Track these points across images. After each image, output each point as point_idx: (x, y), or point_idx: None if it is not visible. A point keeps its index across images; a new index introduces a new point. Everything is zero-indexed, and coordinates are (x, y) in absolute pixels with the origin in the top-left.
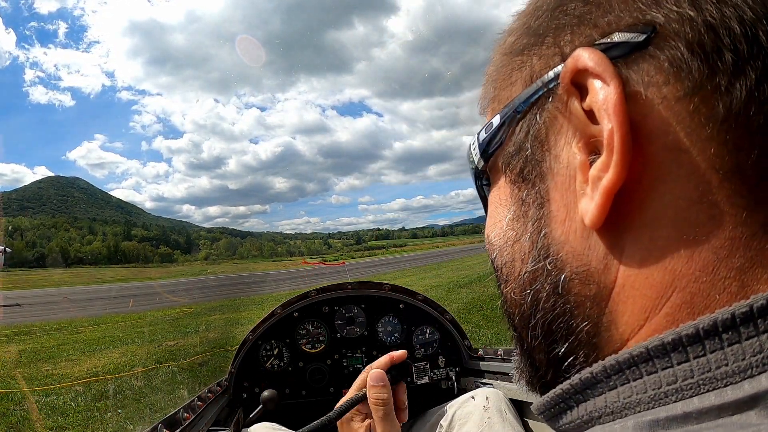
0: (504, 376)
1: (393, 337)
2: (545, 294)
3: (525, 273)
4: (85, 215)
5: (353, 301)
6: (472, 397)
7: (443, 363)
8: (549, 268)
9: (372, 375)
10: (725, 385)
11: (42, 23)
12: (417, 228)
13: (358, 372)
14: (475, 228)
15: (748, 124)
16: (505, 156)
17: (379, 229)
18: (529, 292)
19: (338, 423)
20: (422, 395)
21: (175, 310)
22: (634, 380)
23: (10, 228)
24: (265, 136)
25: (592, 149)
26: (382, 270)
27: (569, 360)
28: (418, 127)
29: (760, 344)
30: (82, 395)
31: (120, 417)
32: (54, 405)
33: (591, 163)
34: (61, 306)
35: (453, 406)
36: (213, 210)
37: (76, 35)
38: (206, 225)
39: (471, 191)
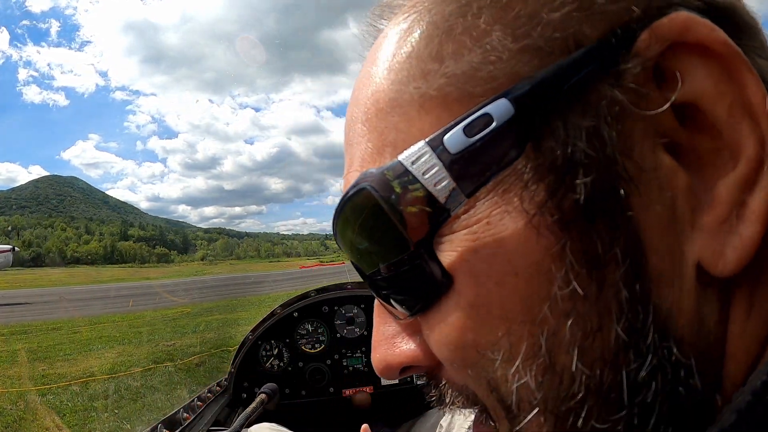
0: None
1: None
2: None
3: (609, 391)
4: (82, 215)
5: (353, 301)
6: None
7: None
8: (656, 363)
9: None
10: None
11: (34, 22)
12: None
13: (358, 372)
14: None
15: None
16: (532, 175)
17: None
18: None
19: None
20: (422, 395)
21: (173, 310)
22: None
23: (9, 228)
24: (260, 137)
25: (688, 164)
26: None
27: None
28: None
29: None
30: (79, 395)
31: (117, 417)
32: (50, 404)
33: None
34: (59, 305)
35: None
36: (209, 210)
37: (69, 34)
38: (202, 225)
39: None
